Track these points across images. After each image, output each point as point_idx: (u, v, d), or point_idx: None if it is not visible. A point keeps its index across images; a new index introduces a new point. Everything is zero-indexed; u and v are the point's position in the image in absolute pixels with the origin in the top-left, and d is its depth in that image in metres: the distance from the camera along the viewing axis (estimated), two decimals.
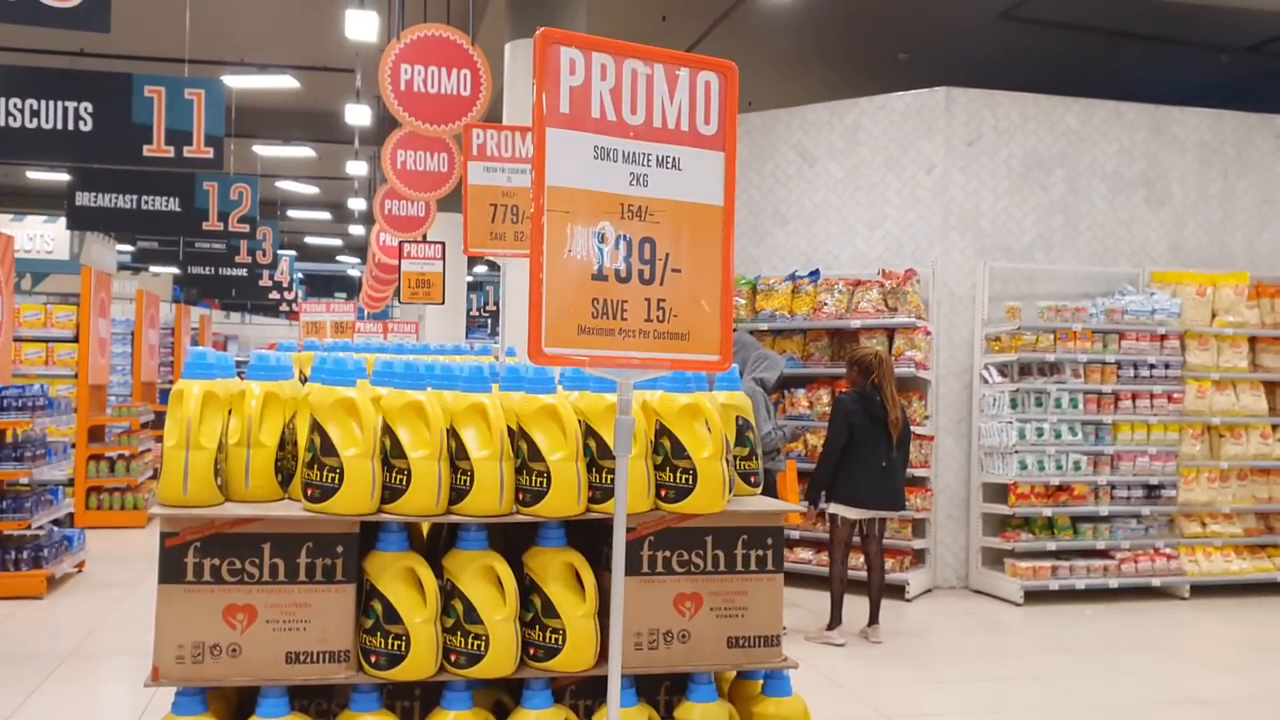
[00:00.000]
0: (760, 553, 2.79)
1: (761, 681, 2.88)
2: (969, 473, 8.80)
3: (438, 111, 6.62)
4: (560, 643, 2.63)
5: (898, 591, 8.21)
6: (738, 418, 2.97)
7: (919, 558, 8.65)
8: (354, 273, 30.38)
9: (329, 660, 2.55)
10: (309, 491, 2.56)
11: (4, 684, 5.88)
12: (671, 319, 1.60)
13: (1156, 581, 8.66)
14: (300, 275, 22.63)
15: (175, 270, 20.47)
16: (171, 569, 2.48)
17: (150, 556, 9.18)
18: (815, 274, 8.80)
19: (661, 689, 2.89)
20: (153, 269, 21.70)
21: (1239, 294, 8.91)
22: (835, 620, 7.00)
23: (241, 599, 2.50)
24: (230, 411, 2.67)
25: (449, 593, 2.62)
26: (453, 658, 2.60)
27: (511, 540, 2.80)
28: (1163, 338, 8.75)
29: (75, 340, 10.84)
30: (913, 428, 8.16)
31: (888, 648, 6.98)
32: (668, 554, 2.72)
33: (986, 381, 8.65)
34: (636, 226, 1.58)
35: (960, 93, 8.96)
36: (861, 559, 7.39)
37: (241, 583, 2.50)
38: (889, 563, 7.98)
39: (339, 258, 28.87)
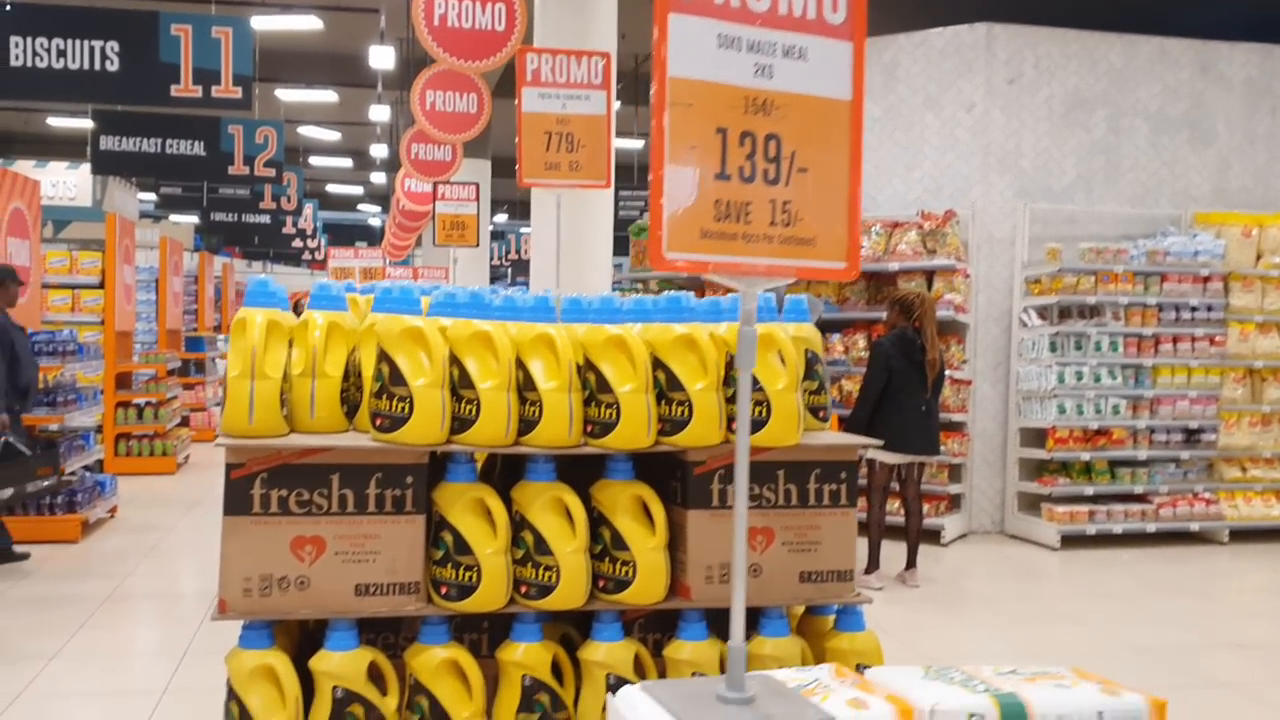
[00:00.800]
0: (834, 487, 2.71)
1: (833, 617, 2.82)
2: (1006, 417, 8.71)
3: (472, 47, 6.46)
4: (630, 575, 2.58)
5: (933, 536, 8.16)
6: (807, 351, 2.89)
7: (954, 503, 8.59)
8: (375, 222, 30.24)
9: (399, 592, 2.50)
10: (378, 421, 2.49)
11: (46, 626, 5.90)
12: (797, 222, 1.50)
13: (1195, 526, 8.58)
14: (322, 223, 22.50)
15: (195, 219, 20.38)
16: (237, 500, 2.42)
17: (180, 502, 9.19)
18: None
19: None
20: (173, 217, 21.61)
21: None
22: (873, 564, 6.96)
23: (310, 530, 2.45)
24: (291, 342, 2.60)
25: (518, 524, 2.57)
26: (523, 589, 2.55)
27: (577, 473, 2.73)
28: (1205, 279, 8.60)
29: (101, 287, 10.80)
30: (950, 372, 8.06)
31: (925, 592, 6.94)
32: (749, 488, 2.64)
33: (1025, 325, 8.53)
34: (761, 122, 1.48)
35: (1001, 29, 8.75)
36: (898, 504, 7.33)
37: (309, 514, 2.45)
38: (924, 508, 7.92)
39: (360, 206, 28.73)
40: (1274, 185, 9.30)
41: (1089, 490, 8.47)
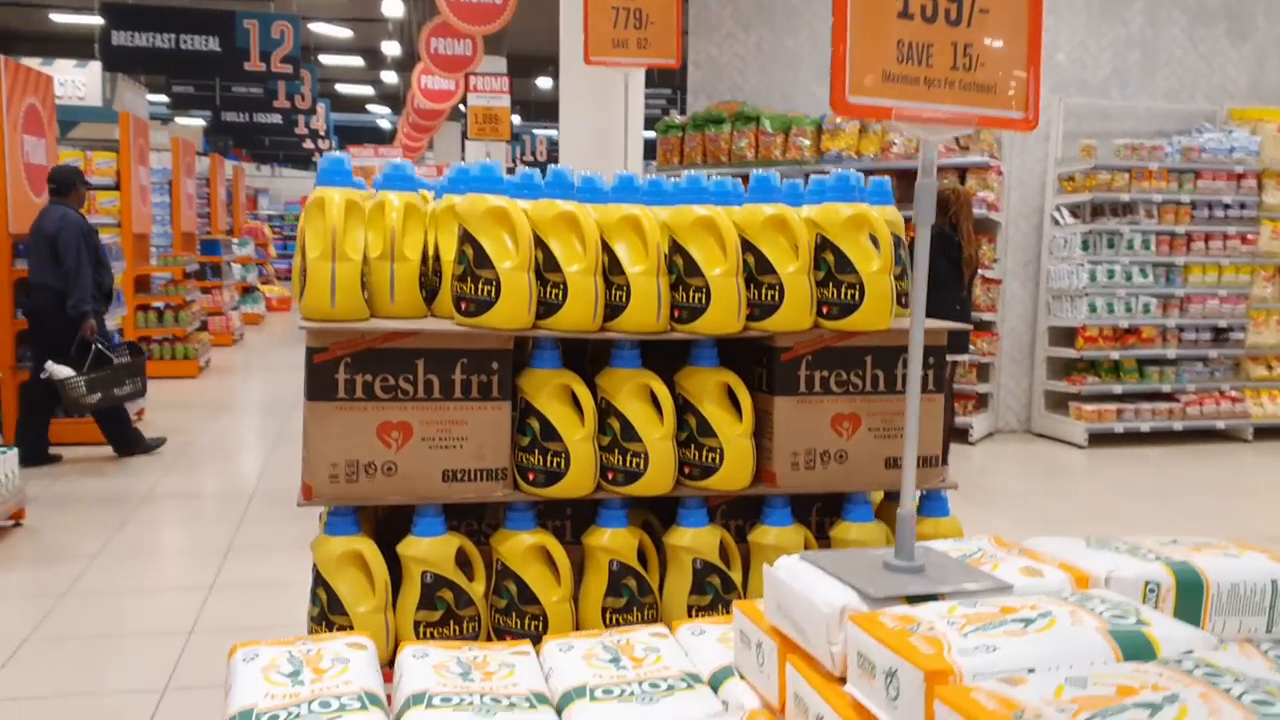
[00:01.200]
0: (921, 373, 2.66)
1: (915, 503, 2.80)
2: (1035, 316, 8.66)
3: None
4: (717, 462, 2.55)
5: (960, 435, 8.18)
6: (893, 234, 2.81)
7: (982, 402, 8.58)
8: (385, 124, 29.79)
9: (486, 478, 2.47)
10: (463, 305, 2.43)
11: (85, 525, 5.94)
12: (978, 67, 1.42)
13: (1221, 424, 8.60)
14: (333, 124, 22.10)
15: (202, 122, 20.06)
16: (321, 386, 2.38)
17: (205, 405, 9.19)
18: None
19: (813, 510, 2.82)
20: (179, 120, 21.27)
21: None
22: None
23: (396, 416, 2.41)
24: (366, 225, 2.53)
25: (604, 411, 2.53)
26: (610, 476, 2.52)
27: (658, 361, 2.68)
28: (1240, 177, 8.47)
29: (116, 188, 10.64)
30: (981, 270, 7.98)
31: (956, 489, 6.96)
32: (825, 374, 2.60)
33: (1058, 223, 8.43)
34: None
35: None
36: None
37: (395, 399, 2.40)
38: (955, 406, 7.92)
39: (369, 107, 28.26)
40: None
41: (1117, 389, 8.46)
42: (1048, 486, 7.36)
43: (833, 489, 2.65)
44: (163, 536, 5.94)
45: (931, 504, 2.73)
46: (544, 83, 21.46)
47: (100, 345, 6.97)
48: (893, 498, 2.85)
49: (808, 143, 8.41)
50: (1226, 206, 8.49)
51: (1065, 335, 8.45)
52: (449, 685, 1.63)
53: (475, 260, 2.41)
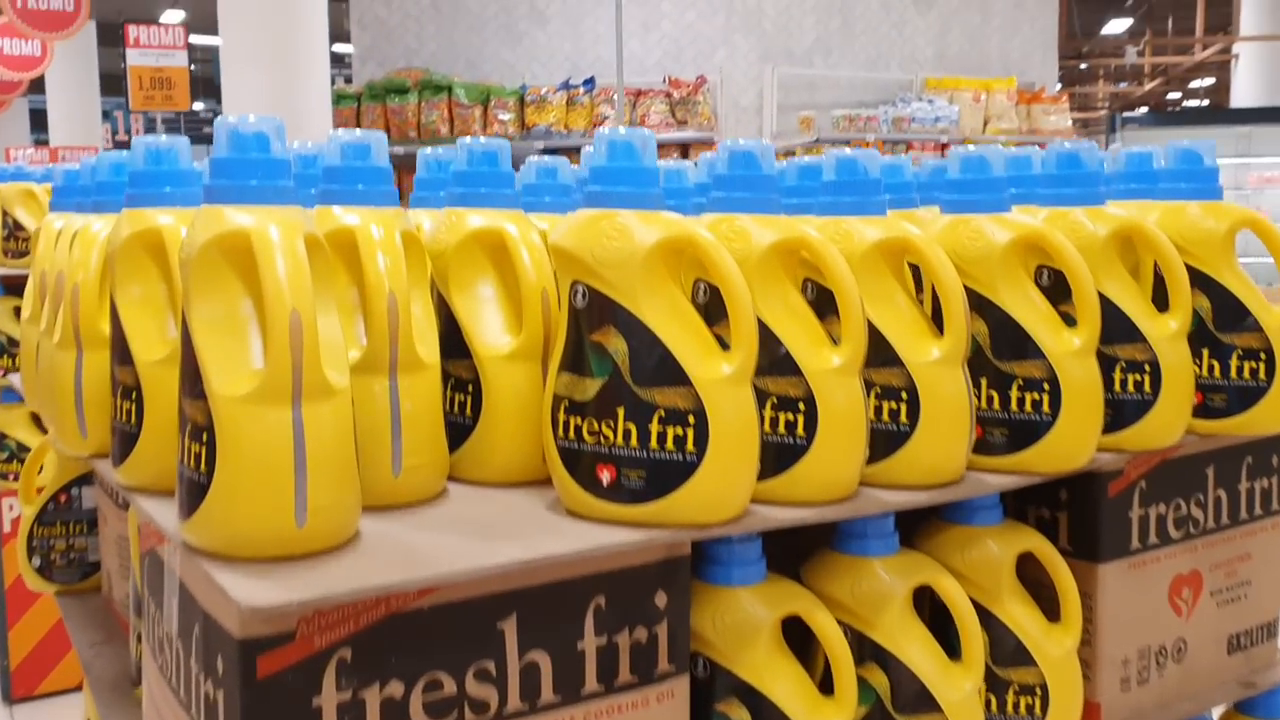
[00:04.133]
0: (1265, 483, 1.58)
1: None
2: None
3: None
4: (1037, 711, 1.31)
5: None
6: None
7: None
8: None
9: None
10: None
11: None
12: None
13: None
14: None
15: None
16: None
17: None
18: (590, 82, 7.34)
19: None
20: None
21: (1010, 99, 8.54)
22: None
23: None
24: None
25: (858, 647, 1.20)
26: None
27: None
28: (944, 146, 8.22)
29: None
30: None
31: None
32: (1163, 509, 1.44)
33: None
34: None
35: None
36: None
37: None
38: None
39: None
40: (986, 49, 9.12)
41: None
42: None
43: (1171, 715, 1.49)
44: None
45: (1266, 702, 1.64)
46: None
47: None
48: None
49: (510, 116, 7.10)
50: None
51: None
52: None
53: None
